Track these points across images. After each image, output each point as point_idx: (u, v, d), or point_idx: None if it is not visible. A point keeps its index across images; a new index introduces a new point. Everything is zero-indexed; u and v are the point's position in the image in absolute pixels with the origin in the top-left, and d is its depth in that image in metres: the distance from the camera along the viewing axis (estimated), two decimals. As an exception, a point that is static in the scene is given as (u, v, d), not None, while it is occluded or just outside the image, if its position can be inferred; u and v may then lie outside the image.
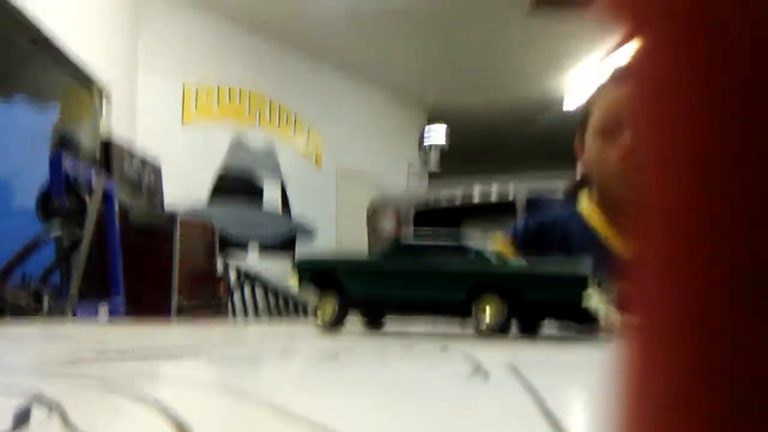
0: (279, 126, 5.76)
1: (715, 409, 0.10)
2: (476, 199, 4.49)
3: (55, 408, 0.26)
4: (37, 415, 0.25)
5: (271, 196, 5.63)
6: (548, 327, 0.64)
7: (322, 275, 0.67)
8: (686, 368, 0.10)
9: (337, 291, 0.64)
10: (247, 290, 5.20)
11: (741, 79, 0.10)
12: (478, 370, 0.37)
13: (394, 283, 0.64)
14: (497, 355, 0.47)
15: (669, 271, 0.11)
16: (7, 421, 0.24)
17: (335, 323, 0.63)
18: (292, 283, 0.67)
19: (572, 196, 0.96)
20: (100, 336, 0.62)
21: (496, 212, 4.64)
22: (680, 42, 0.10)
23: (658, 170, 0.11)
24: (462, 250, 0.62)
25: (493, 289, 0.57)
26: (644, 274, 0.11)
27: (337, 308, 0.63)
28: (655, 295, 0.11)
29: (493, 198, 4.41)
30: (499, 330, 0.56)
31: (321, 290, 0.66)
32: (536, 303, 0.58)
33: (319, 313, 0.63)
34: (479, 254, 0.62)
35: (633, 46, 0.11)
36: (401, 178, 7.09)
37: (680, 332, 0.10)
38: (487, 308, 0.57)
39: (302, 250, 5.75)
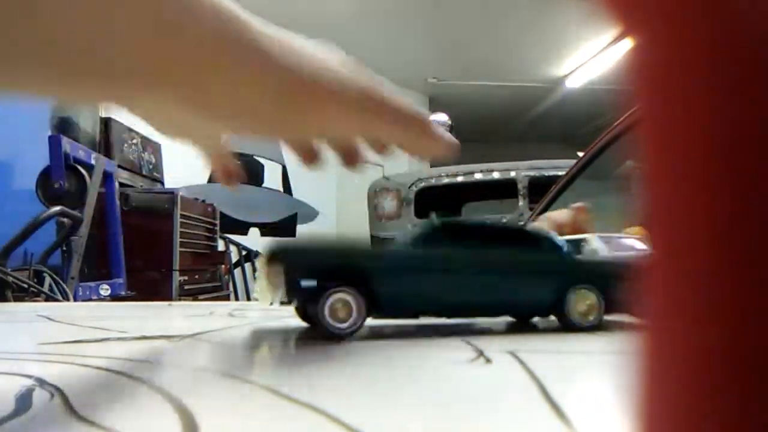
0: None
1: (729, 411, 0.10)
2: (478, 177, 4.46)
3: (56, 392, 0.26)
4: (39, 398, 0.25)
5: (272, 177, 5.62)
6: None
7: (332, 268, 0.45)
8: (700, 370, 0.10)
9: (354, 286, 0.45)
10: (248, 270, 5.22)
11: (742, 76, 0.10)
12: (480, 356, 0.37)
13: (446, 283, 0.47)
14: (499, 343, 0.47)
15: (680, 273, 0.10)
16: (10, 405, 0.24)
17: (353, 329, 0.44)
18: None
19: None
20: (101, 318, 0.63)
21: (497, 195, 4.63)
22: (679, 40, 0.10)
23: (663, 169, 0.11)
24: (528, 238, 0.50)
25: (584, 286, 0.48)
26: (656, 277, 0.11)
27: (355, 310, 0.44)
28: (668, 296, 0.11)
29: (496, 175, 4.39)
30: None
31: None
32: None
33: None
34: (550, 242, 0.50)
35: (631, 42, 0.11)
36: (403, 161, 7.07)
37: (693, 332, 0.10)
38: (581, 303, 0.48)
39: (303, 230, 5.75)
